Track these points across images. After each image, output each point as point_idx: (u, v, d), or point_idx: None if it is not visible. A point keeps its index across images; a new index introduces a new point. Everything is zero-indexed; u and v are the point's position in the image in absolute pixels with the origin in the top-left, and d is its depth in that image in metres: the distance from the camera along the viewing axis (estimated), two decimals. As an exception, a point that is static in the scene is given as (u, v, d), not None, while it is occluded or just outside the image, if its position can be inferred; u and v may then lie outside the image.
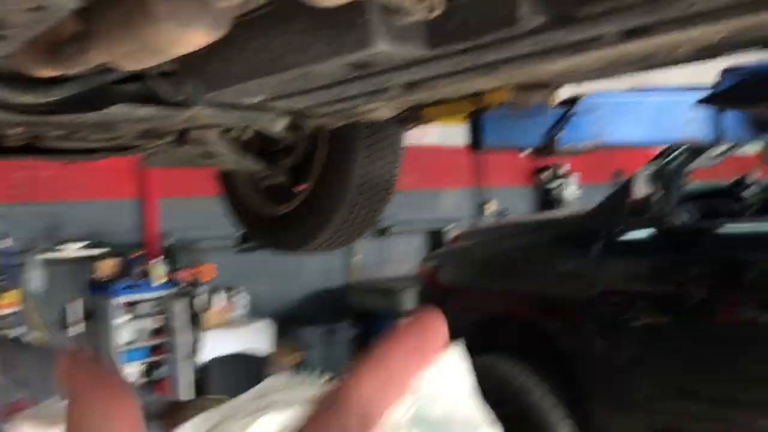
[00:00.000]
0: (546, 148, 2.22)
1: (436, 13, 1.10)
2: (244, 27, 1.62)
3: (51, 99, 1.99)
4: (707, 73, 2.44)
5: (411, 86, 1.80)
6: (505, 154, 11.77)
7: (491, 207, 11.72)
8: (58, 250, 7.19)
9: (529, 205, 12.54)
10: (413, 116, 2.46)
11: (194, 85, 1.79)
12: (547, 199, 12.12)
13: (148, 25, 1.26)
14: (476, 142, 2.15)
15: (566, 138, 2.22)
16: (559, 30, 1.30)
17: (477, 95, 2.19)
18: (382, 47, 1.37)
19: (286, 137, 2.99)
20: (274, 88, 1.74)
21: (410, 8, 1.09)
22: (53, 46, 1.65)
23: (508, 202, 12.02)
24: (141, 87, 2.14)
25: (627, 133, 2.47)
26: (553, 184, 12.10)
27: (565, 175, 12.19)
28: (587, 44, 1.39)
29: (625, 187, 4.16)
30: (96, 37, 1.42)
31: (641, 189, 3.97)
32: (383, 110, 2.26)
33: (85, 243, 7.48)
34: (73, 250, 7.27)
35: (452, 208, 11.45)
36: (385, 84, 1.75)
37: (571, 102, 2.26)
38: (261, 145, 3.15)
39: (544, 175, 12.16)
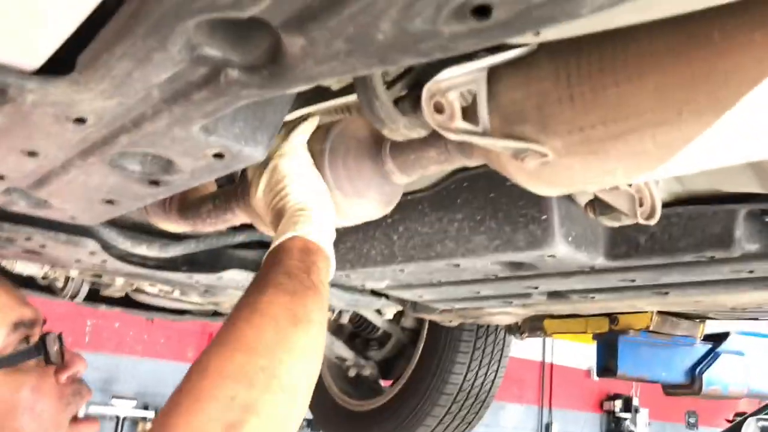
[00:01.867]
0: (689, 386, 1.97)
1: (653, 221, 0.95)
2: (397, 208, 1.52)
3: (166, 255, 1.90)
4: None
5: (556, 295, 1.63)
6: (574, 376, 11.21)
7: (555, 429, 10.95)
8: (110, 405, 6.96)
9: (594, 433, 11.67)
10: (533, 326, 2.27)
11: (325, 262, 1.67)
12: (618, 430, 11.27)
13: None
14: (609, 368, 1.92)
15: (712, 379, 1.97)
16: (774, 259, 1.12)
17: (613, 316, 1.99)
18: (561, 250, 1.22)
19: (382, 328, 2.82)
20: (409, 275, 1.59)
21: (626, 211, 0.95)
22: (190, 202, 1.58)
23: (573, 427, 11.23)
24: (259, 255, 2.05)
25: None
26: (624, 415, 11.31)
27: (636, 409, 11.43)
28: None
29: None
30: (242, 196, 1.33)
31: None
32: (507, 317, 2.08)
33: (135, 403, 7.23)
34: (125, 408, 7.02)
35: (514, 424, 10.75)
36: (532, 290, 1.58)
37: (718, 338, 2.04)
38: (352, 332, 2.98)
39: (615, 405, 11.43)
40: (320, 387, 3.08)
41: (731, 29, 0.65)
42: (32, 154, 0.97)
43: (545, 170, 0.84)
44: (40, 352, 1.09)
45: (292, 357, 0.88)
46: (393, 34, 0.57)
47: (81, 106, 0.77)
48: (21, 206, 1.34)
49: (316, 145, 1.14)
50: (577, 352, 10.37)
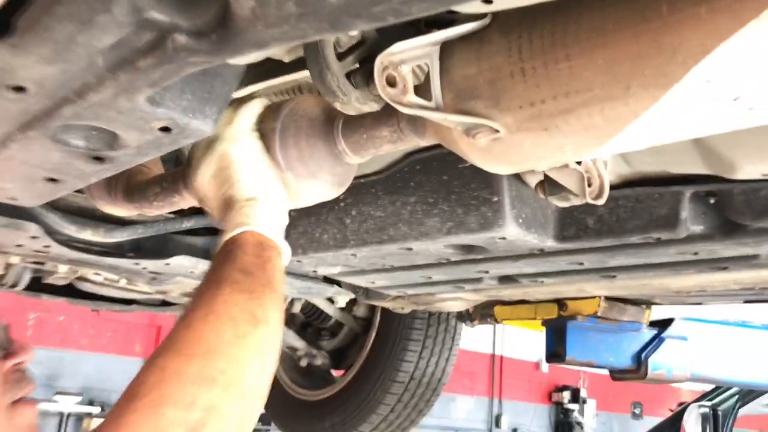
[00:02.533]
0: (635, 371, 2.01)
1: (602, 201, 0.96)
2: (350, 191, 1.50)
3: (112, 240, 1.85)
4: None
5: (507, 280, 1.65)
6: (524, 368, 11.39)
7: (505, 420, 11.11)
8: (54, 401, 6.77)
9: (544, 423, 11.88)
10: (484, 314, 2.29)
11: (276, 246, 1.64)
12: (566, 421, 11.50)
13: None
14: (557, 354, 1.95)
15: (657, 363, 2.01)
16: (719, 241, 1.15)
17: (562, 302, 2.02)
18: (512, 231, 1.22)
19: (334, 317, 2.81)
20: (361, 260, 1.59)
21: (576, 190, 0.96)
22: (137, 184, 1.54)
23: (522, 418, 11.41)
24: (208, 242, 2.02)
25: (720, 369, 2.26)
26: (572, 406, 11.54)
27: (584, 400, 11.67)
28: (738, 262, 1.24)
29: (675, 421, 3.84)
30: (187, 181, 1.30)
31: (692, 427, 3.67)
32: (458, 302, 2.09)
33: (80, 399, 7.06)
34: (69, 404, 6.84)
35: (465, 415, 10.86)
36: (483, 274, 1.59)
37: (663, 324, 2.09)
38: (304, 322, 2.96)
39: (563, 396, 11.65)
40: (274, 382, 3.06)
41: (679, 3, 0.65)
42: (-32, 126, 0.93)
43: (497, 147, 0.85)
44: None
45: (252, 358, 0.87)
46: (345, -4, 0.56)
47: (20, 73, 0.74)
48: (-43, 186, 1.28)
49: (267, 125, 1.12)
50: (526, 345, 10.54)
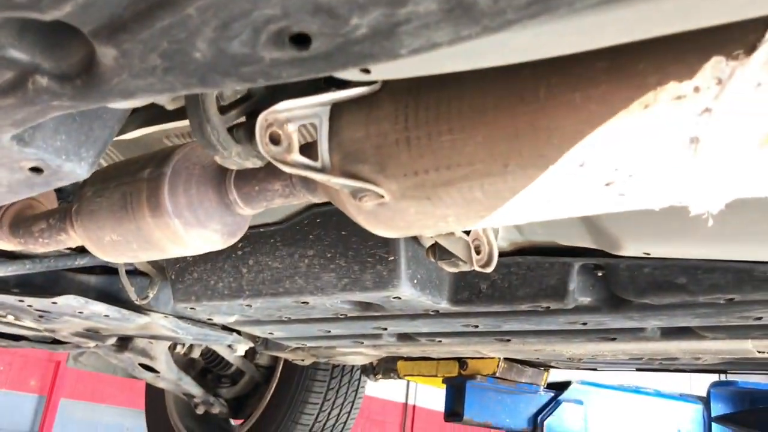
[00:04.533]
0: (531, 433, 2.02)
1: (489, 269, 0.96)
2: (249, 240, 1.46)
3: (-3, 274, 1.74)
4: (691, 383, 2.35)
5: (405, 337, 1.63)
6: (436, 418, 11.34)
7: (414, 473, 10.98)
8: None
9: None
10: (386, 368, 2.26)
11: (174, 293, 1.58)
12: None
13: (152, 219, 1.08)
14: (455, 413, 1.93)
15: (553, 427, 2.02)
16: (606, 313, 1.17)
17: (463, 360, 2.02)
18: (406, 292, 1.21)
19: (235, 365, 2.72)
20: (257, 311, 1.54)
21: (463, 257, 0.95)
22: (24, 219, 1.46)
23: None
24: (102, 281, 1.93)
25: (616, 432, 2.30)
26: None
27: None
28: (625, 333, 1.26)
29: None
30: (76, 217, 1.23)
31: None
32: (359, 357, 2.06)
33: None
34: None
35: (373, 467, 10.68)
36: (381, 330, 1.57)
37: (560, 387, 2.11)
38: (204, 367, 2.85)
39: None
40: (165, 425, 2.92)
41: (555, 87, 0.66)
42: None
43: (382, 211, 0.83)
44: None
45: None
46: (211, 54, 0.54)
47: None
48: None
49: (157, 169, 1.08)
50: (439, 395, 10.54)
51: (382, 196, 0.81)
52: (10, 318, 2.31)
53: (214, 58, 0.54)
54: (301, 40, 0.51)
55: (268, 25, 0.50)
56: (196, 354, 2.62)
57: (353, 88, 0.79)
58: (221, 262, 1.50)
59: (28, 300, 1.79)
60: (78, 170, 0.85)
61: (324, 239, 1.32)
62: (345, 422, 2.57)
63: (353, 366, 2.51)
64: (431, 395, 10.85)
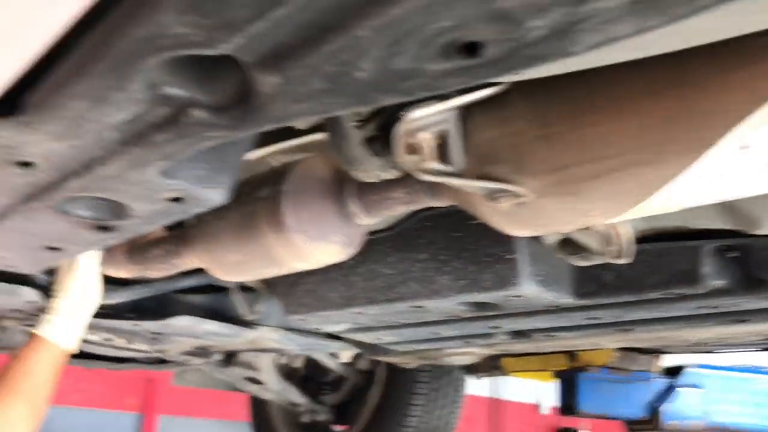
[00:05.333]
0: (649, 422, 1.96)
1: (626, 260, 0.94)
2: (361, 248, 1.47)
3: (111, 302, 1.81)
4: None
5: (520, 335, 1.61)
6: (523, 411, 11.20)
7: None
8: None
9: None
10: (491, 365, 2.24)
11: (284, 306, 1.60)
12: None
13: (274, 236, 1.10)
14: (569, 406, 1.90)
15: (671, 413, 1.96)
16: (740, 295, 1.12)
17: (572, 353, 1.98)
18: (528, 289, 1.19)
19: (336, 371, 2.75)
20: (369, 319, 1.55)
21: (597, 249, 0.93)
22: (139, 246, 1.50)
23: (524, 463, 11.17)
24: (209, 300, 1.97)
25: (738, 416, 2.20)
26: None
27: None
28: (759, 314, 1.21)
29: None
30: (193, 241, 1.27)
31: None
32: (466, 357, 2.05)
33: (73, 455, 6.86)
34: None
35: (464, 463, 10.63)
36: (495, 330, 1.55)
37: (674, 371, 2.05)
38: (306, 376, 2.89)
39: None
40: (272, 434, 2.98)
41: (711, 70, 0.64)
42: (-29, 199, 0.90)
43: (520, 211, 0.82)
44: None
45: None
46: (375, 72, 0.54)
47: (28, 149, 0.71)
48: (-45, 255, 1.25)
49: (273, 188, 1.10)
50: (525, 387, 10.39)
51: (521, 196, 0.79)
52: (121, 342, 2.40)
53: (378, 77, 0.54)
54: (471, 49, 0.50)
55: (438, 38, 0.49)
56: (297, 364, 2.66)
57: (484, 90, 0.78)
58: (332, 273, 1.51)
59: (144, 324, 1.84)
60: (216, 197, 0.86)
61: (436, 242, 1.32)
62: (449, 422, 2.56)
63: (454, 367, 2.50)
64: (519, 388, 10.72)
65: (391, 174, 0.85)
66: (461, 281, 1.27)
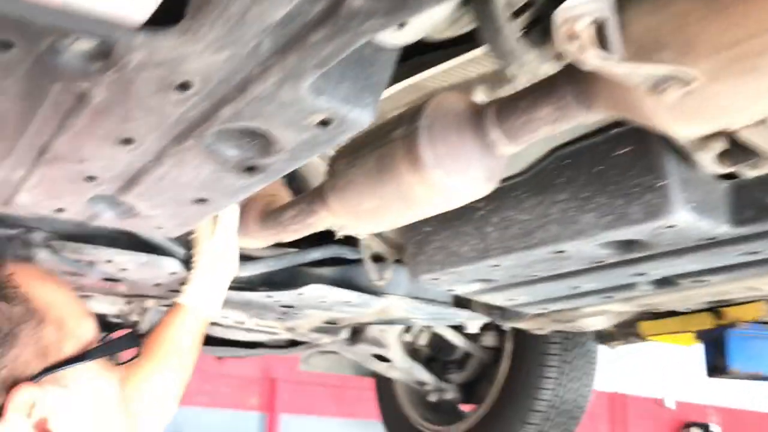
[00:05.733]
0: (812, 380, 1.81)
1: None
2: (490, 198, 1.44)
3: (245, 274, 1.85)
4: None
5: (665, 283, 1.52)
6: (647, 406, 10.74)
7: (632, 463, 10.45)
8: (177, 458, 6.91)
9: (674, 465, 11.10)
10: (627, 332, 2.14)
11: (415, 266, 1.59)
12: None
13: (412, 175, 1.08)
14: (717, 366, 1.78)
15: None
16: None
17: (716, 311, 1.86)
18: (682, 218, 1.12)
19: (461, 348, 2.71)
20: (504, 272, 1.50)
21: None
22: (271, 212, 1.53)
23: (651, 459, 10.71)
24: (336, 272, 1.99)
25: None
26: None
27: (717, 435, 10.84)
28: None
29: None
30: (328, 195, 1.26)
31: None
32: (599, 318, 1.96)
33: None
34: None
35: (587, 460, 10.31)
36: (638, 278, 1.47)
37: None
38: (431, 355, 2.87)
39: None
40: (399, 415, 2.98)
41: None
42: (127, 141, 0.93)
43: (688, 102, 0.76)
44: (136, 341, 1.04)
45: None
46: None
47: (187, 65, 0.73)
48: (106, 218, 1.30)
49: (406, 127, 1.08)
50: (648, 381, 9.95)
51: (691, 81, 0.74)
52: (252, 323, 2.46)
53: None
54: None
55: None
56: (422, 341, 2.65)
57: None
58: (463, 226, 1.48)
59: (276, 295, 1.88)
60: (363, 117, 0.85)
61: (576, 180, 1.26)
62: (584, 395, 2.47)
63: (586, 336, 2.41)
64: (642, 381, 10.29)
65: (547, 68, 0.82)
66: (607, 217, 1.21)
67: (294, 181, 1.80)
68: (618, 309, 1.78)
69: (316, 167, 1.70)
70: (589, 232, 1.24)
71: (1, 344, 0.87)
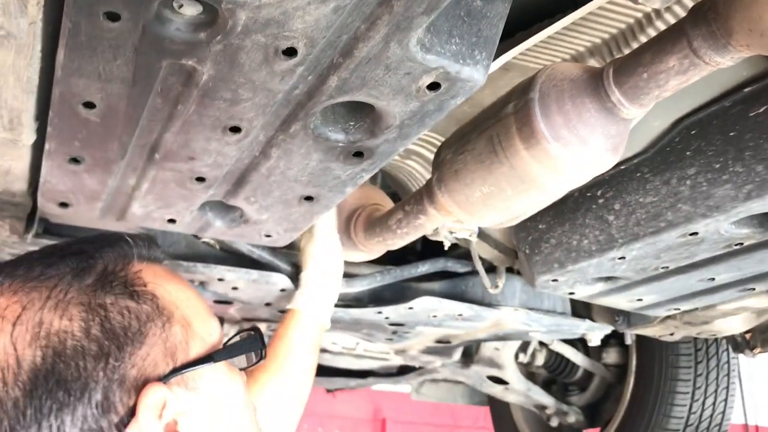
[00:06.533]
0: None
1: None
2: (608, 183, 1.35)
3: (353, 290, 1.82)
4: None
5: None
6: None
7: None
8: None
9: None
10: (765, 338, 1.95)
11: (531, 269, 1.50)
12: None
13: (527, 150, 1.01)
14: None
15: None
16: None
17: None
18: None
19: (582, 367, 2.56)
20: (629, 266, 1.39)
21: None
22: (376, 219, 1.49)
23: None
24: (445, 286, 1.92)
25: None
26: None
27: None
28: None
29: None
30: (436, 189, 1.20)
31: None
32: (736, 319, 1.79)
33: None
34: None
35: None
36: (783, 262, 1.33)
37: None
38: (549, 377, 2.73)
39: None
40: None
41: None
42: (235, 130, 0.91)
43: None
44: (262, 343, 0.99)
45: None
46: None
47: (293, 23, 0.70)
48: (216, 228, 1.30)
49: (520, 99, 1.01)
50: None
51: None
52: (361, 348, 2.42)
53: None
54: None
55: None
56: (539, 362, 2.52)
57: None
58: (582, 218, 1.39)
59: (386, 310, 1.83)
60: (476, 75, 0.80)
61: (707, 150, 1.16)
62: (723, 411, 2.26)
63: (719, 345, 2.22)
64: (773, 410, 9.51)
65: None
66: (746, 186, 1.09)
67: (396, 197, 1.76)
68: (759, 305, 1.62)
69: (416, 177, 1.66)
70: (726, 207, 1.13)
71: (130, 342, 0.83)
